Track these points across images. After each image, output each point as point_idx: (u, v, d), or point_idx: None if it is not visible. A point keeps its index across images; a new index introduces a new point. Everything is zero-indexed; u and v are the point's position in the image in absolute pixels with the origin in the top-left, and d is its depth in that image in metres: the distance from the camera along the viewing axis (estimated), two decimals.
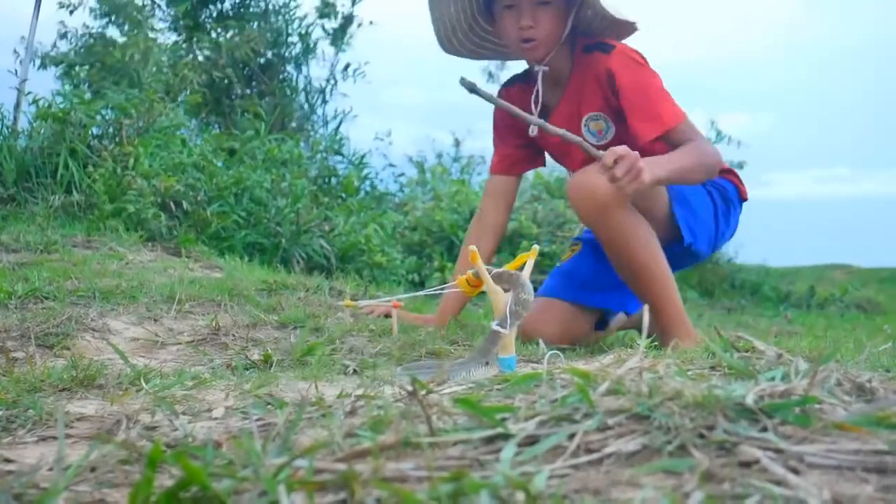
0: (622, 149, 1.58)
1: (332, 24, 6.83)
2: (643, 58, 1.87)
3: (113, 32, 5.98)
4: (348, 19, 6.85)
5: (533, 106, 1.94)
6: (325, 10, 6.78)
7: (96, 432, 0.89)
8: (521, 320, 1.27)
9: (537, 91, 1.93)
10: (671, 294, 1.76)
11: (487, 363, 1.25)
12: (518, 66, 2.11)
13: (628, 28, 1.91)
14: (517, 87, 2.06)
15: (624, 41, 1.91)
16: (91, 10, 6.00)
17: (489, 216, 2.14)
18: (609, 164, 1.57)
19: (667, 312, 1.74)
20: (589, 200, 1.69)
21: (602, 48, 1.86)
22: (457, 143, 8.61)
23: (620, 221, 1.71)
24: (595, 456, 0.59)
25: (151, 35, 5.83)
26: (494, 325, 1.27)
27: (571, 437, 0.62)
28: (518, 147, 2.09)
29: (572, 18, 1.87)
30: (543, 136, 1.91)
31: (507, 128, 2.08)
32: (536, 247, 1.43)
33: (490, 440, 0.64)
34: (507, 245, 5.56)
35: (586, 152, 1.66)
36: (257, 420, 0.88)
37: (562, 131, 1.68)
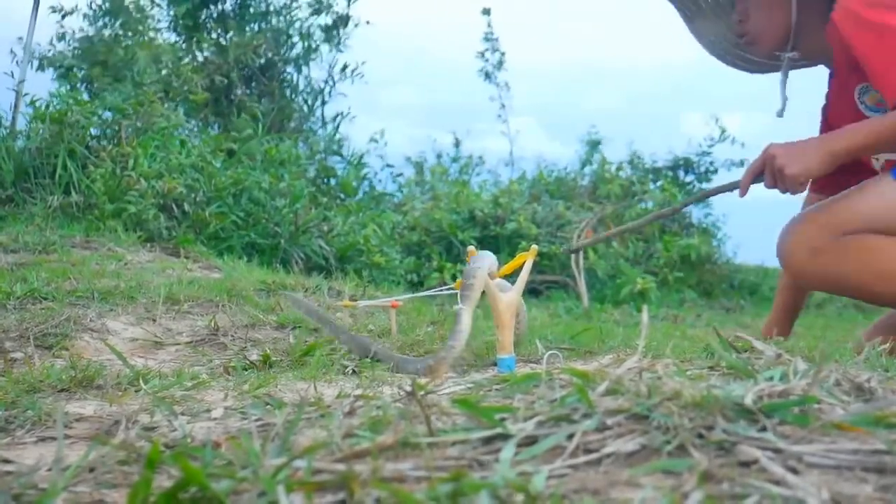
0: (757, 160, 1.48)
1: (324, 20, 6.84)
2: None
3: (112, 33, 5.98)
4: (343, 18, 6.85)
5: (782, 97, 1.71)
6: (318, 7, 6.79)
7: (95, 433, 0.88)
8: (467, 301, 1.27)
9: (782, 83, 1.71)
10: None
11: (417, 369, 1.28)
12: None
13: None
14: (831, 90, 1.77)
15: None
16: (85, 15, 6.01)
17: None
18: (746, 185, 1.48)
19: None
20: (786, 261, 1.54)
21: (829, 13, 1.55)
22: (457, 144, 8.63)
23: (827, 267, 1.50)
24: (594, 456, 0.59)
25: (151, 35, 5.84)
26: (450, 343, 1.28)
27: (570, 437, 0.62)
28: None
29: None
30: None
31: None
32: (535, 247, 1.44)
33: (489, 440, 0.63)
34: (506, 245, 5.56)
35: (730, 191, 1.60)
36: (256, 420, 0.87)
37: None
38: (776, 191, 1.50)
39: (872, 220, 1.50)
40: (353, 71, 6.94)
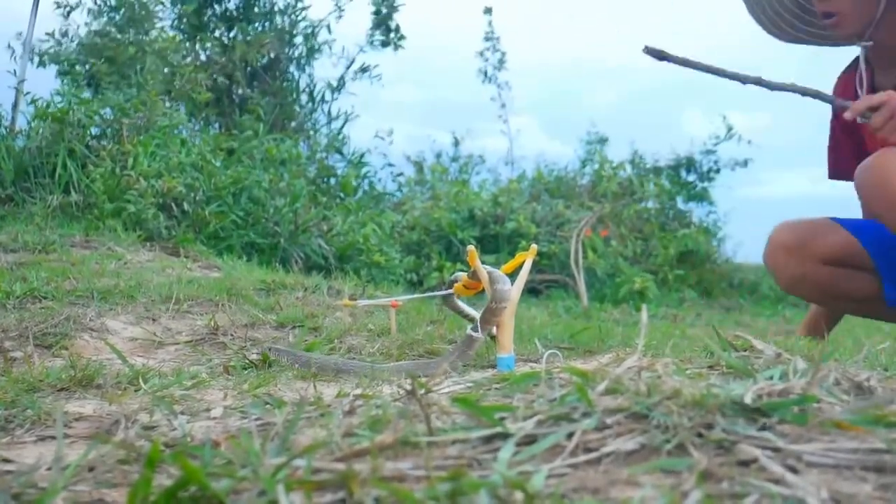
0: (879, 95, 1.52)
1: (379, 35, 6.89)
2: None
3: (116, 30, 5.96)
4: (385, 19, 6.89)
5: (858, 89, 1.77)
6: (377, 11, 6.85)
7: (95, 432, 0.88)
8: (492, 326, 1.28)
9: (860, 73, 1.77)
10: None
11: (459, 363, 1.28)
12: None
13: None
14: (851, 74, 1.87)
15: None
16: (90, 10, 5.98)
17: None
18: (858, 110, 1.53)
19: None
20: (877, 187, 1.58)
21: None
22: (456, 143, 8.62)
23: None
24: (593, 455, 0.59)
25: (154, 34, 5.82)
26: (469, 330, 1.29)
27: (570, 436, 0.62)
28: (852, 151, 1.89)
29: None
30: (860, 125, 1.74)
31: (842, 131, 1.89)
32: (535, 246, 1.43)
33: (488, 439, 0.63)
34: (506, 244, 5.56)
35: (826, 101, 1.65)
36: (256, 420, 0.87)
37: (788, 85, 1.64)
38: (875, 130, 1.57)
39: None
40: (369, 72, 6.93)
